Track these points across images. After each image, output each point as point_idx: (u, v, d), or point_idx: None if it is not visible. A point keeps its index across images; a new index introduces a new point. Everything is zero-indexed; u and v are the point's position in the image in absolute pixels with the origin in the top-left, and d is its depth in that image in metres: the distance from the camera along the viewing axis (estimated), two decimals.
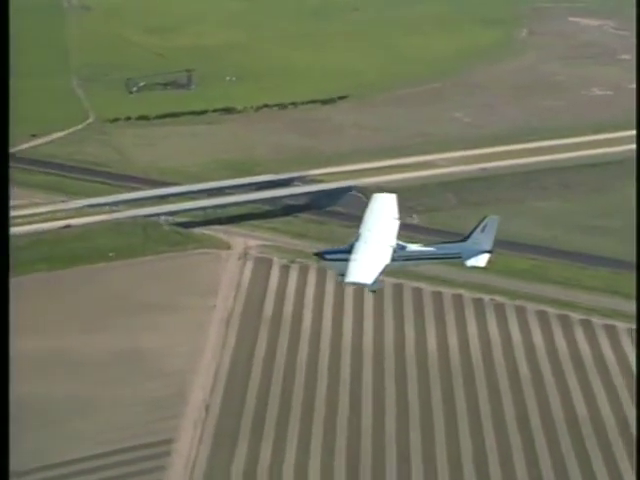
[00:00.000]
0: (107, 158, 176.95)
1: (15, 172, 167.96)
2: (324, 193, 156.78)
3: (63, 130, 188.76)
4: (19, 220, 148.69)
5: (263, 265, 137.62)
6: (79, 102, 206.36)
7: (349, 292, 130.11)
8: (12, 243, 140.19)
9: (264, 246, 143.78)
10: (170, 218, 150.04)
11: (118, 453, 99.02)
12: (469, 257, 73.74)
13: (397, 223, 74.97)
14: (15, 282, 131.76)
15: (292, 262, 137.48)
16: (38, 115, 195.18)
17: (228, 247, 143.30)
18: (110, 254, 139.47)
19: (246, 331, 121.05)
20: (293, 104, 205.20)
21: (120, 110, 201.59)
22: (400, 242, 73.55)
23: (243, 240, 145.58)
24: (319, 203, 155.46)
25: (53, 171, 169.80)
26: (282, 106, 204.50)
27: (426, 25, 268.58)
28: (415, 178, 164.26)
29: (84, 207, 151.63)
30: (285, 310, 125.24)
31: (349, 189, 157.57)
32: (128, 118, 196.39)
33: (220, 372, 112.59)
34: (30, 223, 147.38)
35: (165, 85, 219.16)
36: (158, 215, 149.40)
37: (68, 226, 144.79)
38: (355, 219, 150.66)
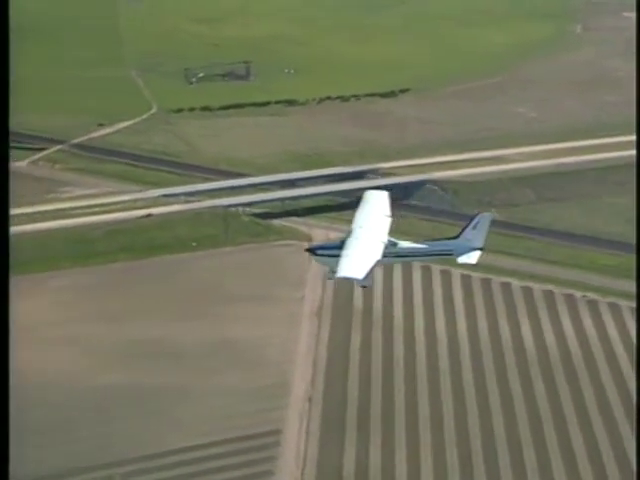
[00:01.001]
0: (175, 148, 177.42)
1: (86, 161, 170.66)
2: (399, 186, 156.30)
3: (129, 120, 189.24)
4: (95, 209, 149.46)
5: None
6: (140, 92, 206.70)
7: (437, 285, 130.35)
8: (89, 233, 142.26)
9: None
10: (248, 209, 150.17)
11: (225, 443, 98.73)
12: (461, 254, 74.04)
13: (389, 220, 74.98)
14: (94, 271, 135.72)
15: None
16: (101, 105, 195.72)
17: (309, 239, 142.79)
18: (193, 244, 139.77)
19: (339, 323, 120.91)
20: (355, 97, 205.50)
21: (182, 100, 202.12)
22: (392, 238, 73.62)
23: (324, 232, 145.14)
24: (394, 196, 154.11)
25: (123, 160, 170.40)
26: (344, 99, 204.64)
27: (475, 18, 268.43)
28: (488, 173, 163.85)
29: (160, 197, 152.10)
30: (375, 303, 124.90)
31: (424, 182, 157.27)
32: (192, 109, 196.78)
33: (318, 363, 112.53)
34: (106, 212, 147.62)
35: (224, 76, 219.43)
36: (236, 206, 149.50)
37: (149, 215, 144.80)
38: (433, 212, 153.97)
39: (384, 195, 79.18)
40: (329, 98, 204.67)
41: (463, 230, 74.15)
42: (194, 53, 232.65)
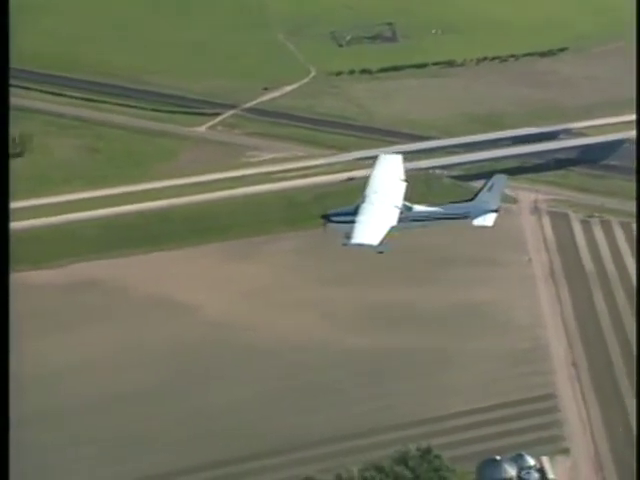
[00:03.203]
0: (348, 111, 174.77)
1: (263, 125, 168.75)
2: (596, 146, 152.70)
3: (292, 84, 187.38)
4: (295, 173, 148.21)
5: (560, 219, 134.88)
6: (293, 55, 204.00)
7: None
8: (298, 196, 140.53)
9: (552, 200, 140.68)
10: (445, 171, 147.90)
11: (501, 407, 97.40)
12: (476, 217, 73.06)
13: (403, 184, 73.60)
14: (309, 235, 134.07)
15: (590, 217, 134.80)
16: (259, 69, 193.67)
17: (514, 201, 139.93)
18: None
19: (576, 284, 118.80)
20: (513, 56, 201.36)
21: (337, 63, 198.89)
22: (406, 203, 72.16)
23: (526, 194, 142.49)
24: (592, 156, 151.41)
25: (300, 124, 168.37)
26: (502, 59, 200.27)
27: None
28: None
29: (355, 160, 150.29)
30: (607, 265, 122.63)
31: (622, 142, 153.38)
32: (352, 71, 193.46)
33: (568, 325, 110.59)
34: (308, 176, 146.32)
35: (372, 38, 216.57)
36: (434, 168, 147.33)
37: (351, 179, 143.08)
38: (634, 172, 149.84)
39: (398, 159, 77.73)
40: (486, 59, 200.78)
41: (478, 192, 72.99)
42: (331, 16, 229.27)
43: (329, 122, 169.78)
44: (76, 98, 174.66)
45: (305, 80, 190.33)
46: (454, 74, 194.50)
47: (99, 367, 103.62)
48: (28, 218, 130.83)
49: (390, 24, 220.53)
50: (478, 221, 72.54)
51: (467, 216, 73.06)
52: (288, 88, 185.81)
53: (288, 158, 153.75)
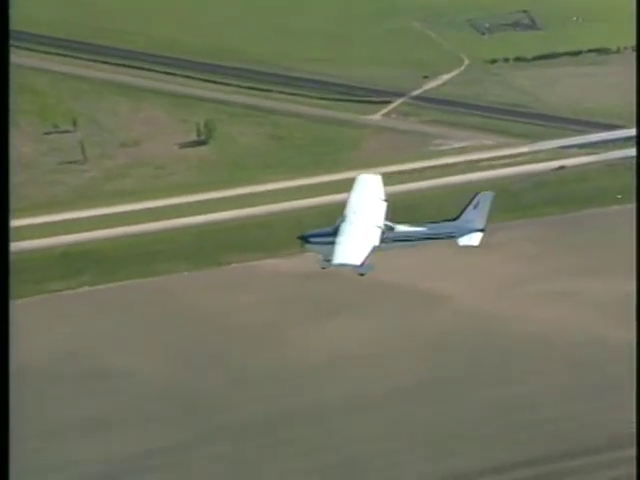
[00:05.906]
0: (519, 99, 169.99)
1: (436, 113, 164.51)
2: None
3: (449, 72, 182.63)
4: (496, 162, 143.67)
5: None
6: (438, 43, 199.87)
7: None
8: (510, 186, 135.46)
9: None
10: None
11: None
12: (462, 236, 69.58)
13: (384, 204, 70.16)
14: (535, 223, 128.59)
15: None
16: (410, 56, 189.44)
17: None
18: (618, 196, 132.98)
19: None
20: None
21: (487, 51, 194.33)
22: (388, 222, 68.65)
23: None
24: None
25: (474, 112, 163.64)
26: None
27: None
28: None
29: (555, 149, 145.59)
30: None
31: None
32: (506, 59, 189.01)
33: None
34: (510, 165, 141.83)
35: (511, 26, 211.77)
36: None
37: (562, 167, 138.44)
38: None
39: (378, 179, 73.97)
40: None
41: (463, 211, 69.41)
42: (460, 4, 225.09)
43: (503, 110, 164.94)
44: (239, 87, 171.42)
45: (461, 68, 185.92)
46: (612, 61, 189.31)
47: (370, 357, 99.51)
48: (241, 207, 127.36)
49: (525, 12, 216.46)
50: (464, 240, 69.42)
51: (452, 236, 69.88)
52: (447, 76, 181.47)
53: (481, 147, 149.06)
